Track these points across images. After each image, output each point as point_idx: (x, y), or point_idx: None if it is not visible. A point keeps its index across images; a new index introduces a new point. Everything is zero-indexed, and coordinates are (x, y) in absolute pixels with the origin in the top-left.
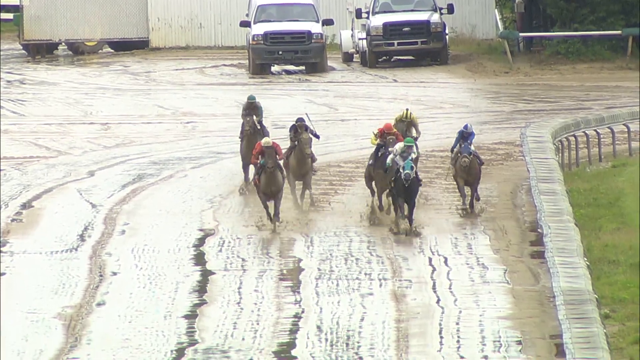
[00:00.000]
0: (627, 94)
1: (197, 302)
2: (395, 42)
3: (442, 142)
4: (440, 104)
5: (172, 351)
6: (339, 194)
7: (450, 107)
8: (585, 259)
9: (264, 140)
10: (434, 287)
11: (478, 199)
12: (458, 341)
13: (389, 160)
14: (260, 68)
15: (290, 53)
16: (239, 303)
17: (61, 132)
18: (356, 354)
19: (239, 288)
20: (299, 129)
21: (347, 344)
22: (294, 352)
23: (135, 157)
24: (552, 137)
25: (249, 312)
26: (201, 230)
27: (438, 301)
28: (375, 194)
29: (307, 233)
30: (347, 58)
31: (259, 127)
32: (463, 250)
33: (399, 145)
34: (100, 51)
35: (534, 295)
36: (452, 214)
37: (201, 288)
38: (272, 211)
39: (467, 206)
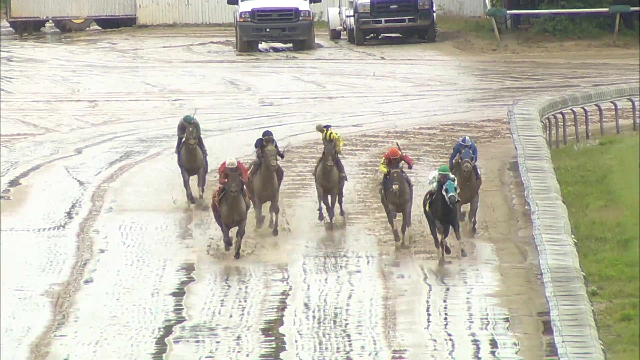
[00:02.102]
0: (614, 71)
1: (185, 279)
2: (383, 19)
3: (429, 119)
4: (427, 82)
5: (159, 328)
6: None
7: (438, 85)
8: (573, 236)
9: (229, 162)
10: (421, 265)
11: (474, 213)
12: (445, 318)
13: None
14: (247, 45)
15: (278, 30)
16: (226, 280)
17: (48, 109)
18: (344, 331)
19: (226, 265)
20: (265, 143)
21: (335, 322)
22: (281, 330)
23: (122, 135)
24: (540, 115)
25: (236, 290)
26: (188, 207)
27: (425, 279)
28: (394, 220)
29: (294, 211)
30: (335, 35)
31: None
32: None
33: (435, 174)
34: (87, 28)
35: (522, 273)
36: (428, 183)
37: (189, 266)
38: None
39: (469, 222)
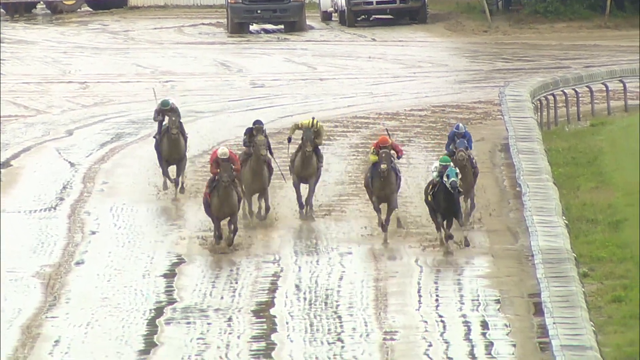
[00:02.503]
0: (605, 52)
1: (176, 261)
2: (374, 0)
3: (420, 101)
4: (418, 63)
5: (150, 310)
6: None
7: (429, 66)
8: (564, 217)
9: (221, 151)
10: (412, 247)
11: (473, 208)
12: (437, 300)
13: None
14: (238, 27)
15: (269, 12)
16: (217, 262)
17: (39, 91)
18: (335, 312)
19: (218, 248)
20: (255, 132)
21: (326, 303)
22: (272, 311)
23: (113, 116)
24: (531, 96)
25: (227, 272)
26: (180, 189)
27: (416, 260)
28: (380, 212)
29: (286, 192)
30: (326, 17)
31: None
32: None
33: (436, 165)
34: (78, 10)
35: (513, 254)
36: (429, 173)
37: (180, 247)
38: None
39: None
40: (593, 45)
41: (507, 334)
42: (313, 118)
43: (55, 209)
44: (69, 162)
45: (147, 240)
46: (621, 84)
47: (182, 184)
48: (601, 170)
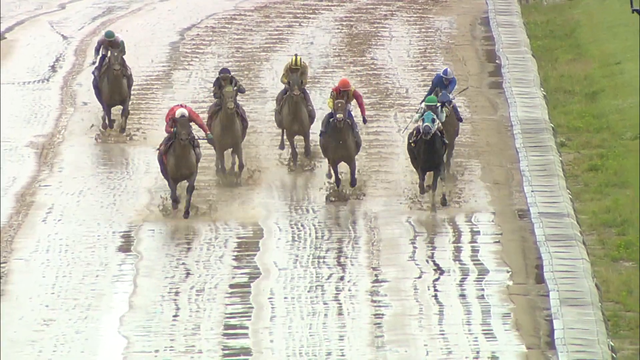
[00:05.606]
0: None
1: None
2: None
3: None
4: None
5: (142, 179)
6: (303, 26)
7: None
8: (542, 89)
9: (179, 112)
10: (395, 117)
11: (450, 156)
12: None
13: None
14: None
15: None
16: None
17: None
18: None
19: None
20: (223, 82)
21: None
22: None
23: None
24: None
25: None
26: (170, 62)
27: (398, 130)
28: (337, 173)
29: (272, 65)
30: None
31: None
32: (422, 78)
33: (421, 106)
34: None
35: (492, 125)
36: (409, 50)
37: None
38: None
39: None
40: None
41: (487, 203)
42: (296, 55)
43: (48, 80)
44: (62, 35)
45: (140, 110)
46: None
47: (125, 126)
48: (578, 42)
